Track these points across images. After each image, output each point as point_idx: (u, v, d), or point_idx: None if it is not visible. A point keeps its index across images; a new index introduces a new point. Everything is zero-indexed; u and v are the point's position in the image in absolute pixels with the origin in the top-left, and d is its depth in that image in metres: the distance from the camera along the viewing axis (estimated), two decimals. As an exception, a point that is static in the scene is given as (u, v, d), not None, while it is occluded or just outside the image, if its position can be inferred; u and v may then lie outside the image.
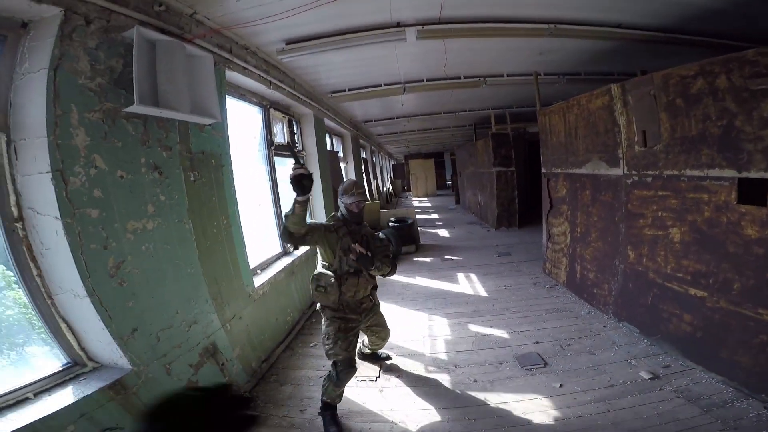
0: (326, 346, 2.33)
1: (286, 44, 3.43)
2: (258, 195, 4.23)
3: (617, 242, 3.59)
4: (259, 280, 3.37)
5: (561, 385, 2.63)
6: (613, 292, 3.65)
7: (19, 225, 1.71)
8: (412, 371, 2.99)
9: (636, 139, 3.28)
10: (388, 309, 4.20)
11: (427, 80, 5.25)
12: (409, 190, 21.74)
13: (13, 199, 1.69)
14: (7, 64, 1.67)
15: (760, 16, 3.11)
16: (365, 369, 3.03)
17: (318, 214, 5.65)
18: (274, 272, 3.65)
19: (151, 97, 2.06)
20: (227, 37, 3.02)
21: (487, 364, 2.99)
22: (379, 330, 2.71)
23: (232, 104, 3.58)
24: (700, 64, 2.62)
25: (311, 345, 3.52)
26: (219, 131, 2.91)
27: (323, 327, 2.40)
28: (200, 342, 2.40)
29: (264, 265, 3.82)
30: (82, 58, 1.80)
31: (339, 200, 2.37)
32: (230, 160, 3.04)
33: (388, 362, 3.09)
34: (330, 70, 4.57)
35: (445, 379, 2.84)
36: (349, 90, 5.53)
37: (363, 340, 2.98)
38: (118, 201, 1.96)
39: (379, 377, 2.93)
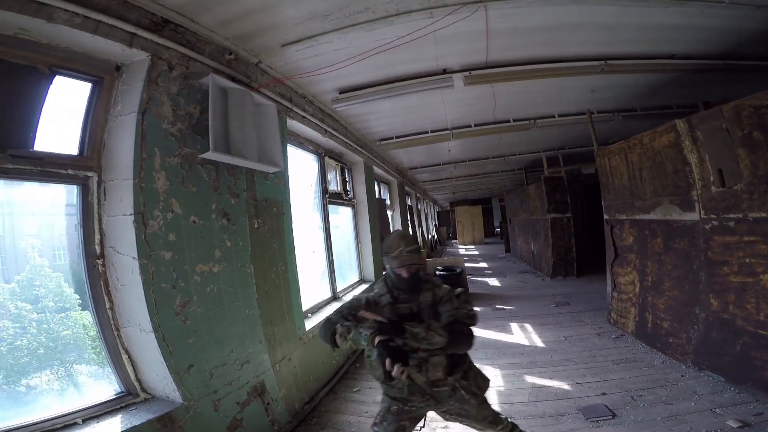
0: (374, 424, 1.84)
1: (340, 93, 3.68)
2: (312, 241, 4.34)
3: (697, 290, 3.28)
4: (309, 324, 3.37)
5: (632, 437, 2.29)
6: (693, 341, 3.33)
7: (100, 262, 1.84)
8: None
9: (712, 179, 3.00)
10: None
11: (475, 125, 5.28)
12: (455, 238, 21.28)
13: (97, 237, 1.84)
14: (103, 106, 1.89)
15: None
16: None
17: (366, 266, 5.64)
18: (324, 317, 3.63)
19: (223, 144, 2.22)
20: (287, 87, 3.29)
21: (546, 416, 2.75)
22: (464, 418, 1.86)
23: (291, 152, 3.80)
24: None
25: (354, 390, 3.43)
26: (281, 179, 3.08)
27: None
28: (250, 381, 2.40)
29: (314, 309, 3.84)
30: (165, 103, 2.00)
31: (384, 260, 1.80)
32: (290, 208, 3.18)
33: None
34: (379, 117, 4.79)
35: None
36: (396, 137, 5.72)
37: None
38: (189, 245, 2.08)
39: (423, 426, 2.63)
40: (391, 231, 7.88)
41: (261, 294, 2.61)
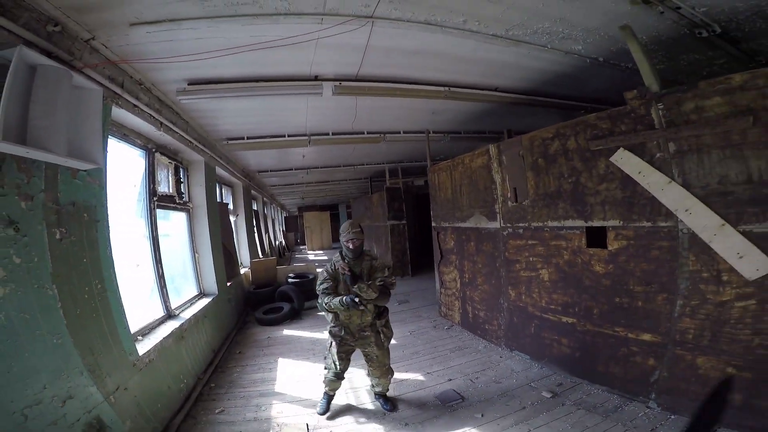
0: (325, 357, 2.97)
1: (189, 84, 3.15)
2: (136, 253, 3.54)
3: (500, 284, 4.14)
4: (143, 347, 2.83)
5: (482, 415, 2.84)
6: (502, 327, 4.14)
7: None
8: (342, 424, 2.87)
9: (509, 195, 3.91)
10: (297, 365, 4.04)
11: (333, 134, 5.41)
12: (304, 244, 21.11)
13: None
14: None
15: (594, 78, 4.00)
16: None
17: (207, 278, 4.98)
18: (161, 338, 3.11)
19: (17, 132, 1.60)
20: (121, 70, 2.63)
21: (414, 407, 3.05)
22: (372, 361, 2.91)
23: (112, 146, 3.02)
24: (556, 126, 3.32)
25: (216, 411, 3.14)
26: (96, 178, 2.41)
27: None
28: (81, 417, 1.98)
29: (146, 330, 3.18)
30: None
31: (340, 238, 2.79)
32: (107, 215, 2.54)
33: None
34: (230, 116, 4.33)
35: (378, 428, 2.79)
36: (247, 138, 5.28)
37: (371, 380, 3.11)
38: None
39: None
40: (234, 238, 7.22)
41: (71, 319, 2.06)
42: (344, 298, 2.64)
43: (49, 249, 1.97)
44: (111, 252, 2.56)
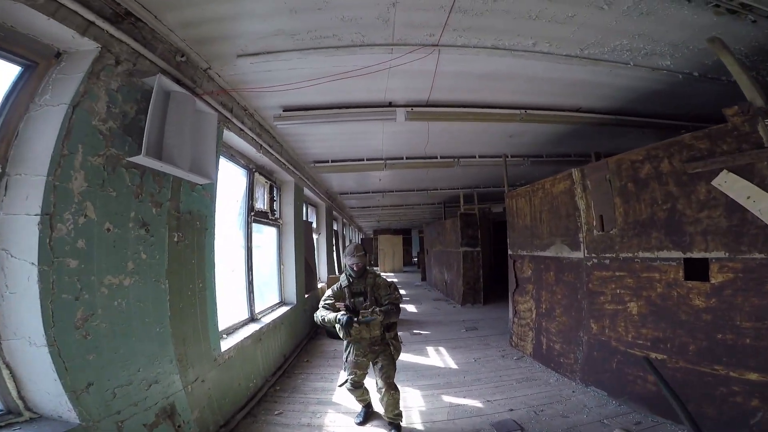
0: (344, 368, 3.04)
1: (284, 111, 3.66)
2: (232, 260, 4.11)
3: (581, 316, 3.80)
4: (225, 345, 3.17)
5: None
6: (579, 360, 3.80)
7: (-16, 264, 1.52)
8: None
9: (594, 223, 3.61)
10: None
11: (407, 158, 5.66)
12: (377, 265, 21.61)
13: (-13, 236, 1.53)
14: (27, 93, 1.65)
15: (693, 95, 3.62)
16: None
17: (288, 289, 5.49)
18: (241, 338, 3.47)
19: (156, 149, 2.06)
20: (230, 97, 3.19)
21: None
22: (379, 371, 2.91)
23: (222, 164, 3.62)
24: (646, 148, 3.04)
25: (276, 413, 3.31)
26: (209, 192, 2.91)
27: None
28: (159, 402, 2.18)
29: (230, 330, 3.60)
30: (101, 98, 1.82)
31: (343, 260, 2.90)
32: (214, 224, 3.00)
33: None
34: (317, 140, 4.85)
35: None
36: (332, 161, 5.80)
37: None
38: (100, 254, 1.85)
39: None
40: (315, 255, 7.81)
41: (174, 311, 2.40)
42: (338, 315, 2.72)
43: (168, 249, 2.36)
44: (214, 257, 2.97)
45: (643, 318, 3.11)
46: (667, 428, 2.78)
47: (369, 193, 9.19)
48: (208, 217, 2.90)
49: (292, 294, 5.49)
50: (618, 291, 3.36)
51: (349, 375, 2.95)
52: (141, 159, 1.93)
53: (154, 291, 2.24)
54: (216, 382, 2.87)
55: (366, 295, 2.90)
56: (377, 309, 2.80)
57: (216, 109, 2.86)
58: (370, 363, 2.98)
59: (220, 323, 3.12)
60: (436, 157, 5.68)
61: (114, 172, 1.92)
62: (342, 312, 2.74)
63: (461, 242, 8.65)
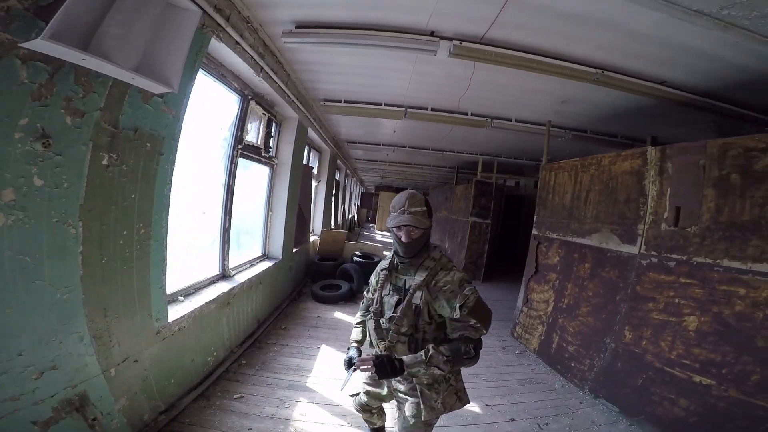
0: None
1: (296, 27, 2.82)
2: (204, 199, 3.37)
3: (613, 321, 3.34)
4: (177, 312, 2.54)
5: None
6: (595, 369, 3.42)
7: None
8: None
9: (666, 216, 2.97)
10: (340, 358, 3.64)
11: (432, 109, 4.82)
12: (374, 222, 21.23)
13: None
14: None
15: None
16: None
17: (274, 240, 4.85)
18: (202, 302, 2.81)
19: (78, 35, 1.33)
20: (231, 3, 2.39)
21: None
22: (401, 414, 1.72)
23: (204, 81, 2.87)
24: None
25: (235, 396, 2.75)
26: (172, 108, 2.16)
27: None
28: (57, 393, 1.64)
29: (191, 290, 2.94)
30: None
31: (388, 222, 1.54)
32: (175, 149, 2.25)
33: None
34: (332, 72, 4.00)
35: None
36: (345, 101, 4.97)
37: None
38: None
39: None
40: (311, 204, 7.15)
41: (90, 269, 1.73)
42: (350, 344, 1.79)
43: (87, 175, 1.66)
44: (169, 192, 2.23)
45: (701, 336, 2.62)
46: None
47: (379, 145, 8.35)
48: (167, 139, 2.15)
49: (278, 247, 4.86)
50: (676, 300, 2.82)
51: (359, 393, 2.01)
52: (37, 44, 1.20)
53: (53, 237, 1.55)
54: (158, 360, 2.31)
55: (404, 297, 1.56)
56: (431, 349, 1.45)
57: (201, 8, 2.09)
58: (391, 400, 1.88)
59: (174, 283, 2.47)
60: (467, 114, 4.84)
61: (-1, 60, 1.20)
62: (354, 341, 1.78)
63: (471, 211, 8.03)
